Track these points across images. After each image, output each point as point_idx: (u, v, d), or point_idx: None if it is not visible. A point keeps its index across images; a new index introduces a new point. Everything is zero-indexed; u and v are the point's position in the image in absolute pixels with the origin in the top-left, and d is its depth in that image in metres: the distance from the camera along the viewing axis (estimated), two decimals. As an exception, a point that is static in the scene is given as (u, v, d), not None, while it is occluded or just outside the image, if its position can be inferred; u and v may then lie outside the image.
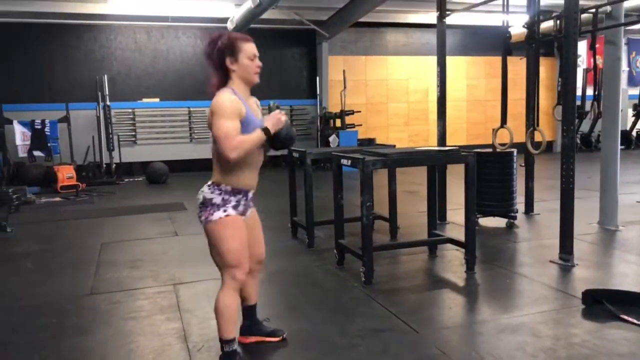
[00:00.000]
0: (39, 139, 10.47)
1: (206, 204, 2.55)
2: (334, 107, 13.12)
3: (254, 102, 2.69)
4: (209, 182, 2.60)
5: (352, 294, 3.78)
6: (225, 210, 2.53)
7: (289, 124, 2.65)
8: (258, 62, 2.59)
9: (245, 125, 2.49)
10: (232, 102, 2.45)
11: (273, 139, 2.59)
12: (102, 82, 11.36)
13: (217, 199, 2.54)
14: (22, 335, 3.25)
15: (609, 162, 5.53)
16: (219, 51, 2.52)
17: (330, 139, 12.23)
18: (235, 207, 2.58)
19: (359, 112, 12.95)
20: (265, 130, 2.51)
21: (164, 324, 3.33)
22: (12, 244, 5.74)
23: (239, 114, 2.46)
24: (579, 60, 4.67)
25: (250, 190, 2.66)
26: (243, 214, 2.65)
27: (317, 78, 13.25)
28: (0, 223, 5.78)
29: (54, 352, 3.00)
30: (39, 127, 10.46)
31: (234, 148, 2.41)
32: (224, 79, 2.56)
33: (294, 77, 13.58)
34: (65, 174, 9.84)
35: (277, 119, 2.56)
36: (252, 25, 11.13)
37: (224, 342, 2.61)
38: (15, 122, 10.31)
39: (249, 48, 2.56)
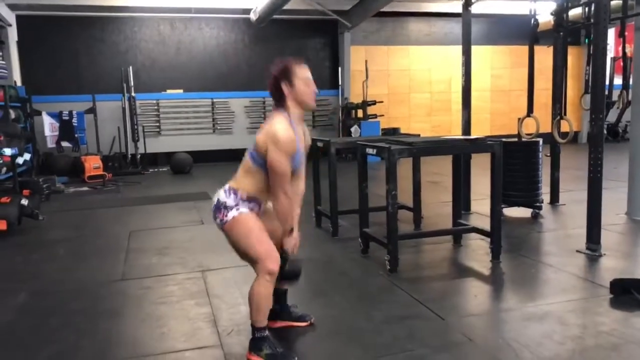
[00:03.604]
0: (66, 129, 10.69)
1: (220, 207, 2.64)
2: (356, 98, 13.09)
3: (302, 130, 2.74)
4: (226, 186, 2.69)
5: (377, 282, 3.82)
6: (238, 209, 2.62)
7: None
8: (314, 87, 2.66)
9: (292, 158, 2.58)
10: (290, 138, 2.53)
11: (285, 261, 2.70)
12: (127, 74, 11.51)
13: (231, 202, 2.63)
14: (58, 318, 3.36)
15: (638, 151, 5.44)
16: (275, 78, 2.61)
17: (352, 129, 12.21)
18: (248, 208, 2.67)
19: (381, 102, 12.89)
20: (291, 229, 2.69)
21: (193, 309, 3.41)
22: (44, 232, 5.91)
23: (292, 152, 2.55)
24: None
25: (264, 202, 2.76)
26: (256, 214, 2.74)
27: (339, 68, 13.23)
28: (32, 211, 5.94)
29: (89, 334, 3.10)
30: (67, 118, 10.68)
31: (283, 194, 2.56)
32: (283, 104, 2.64)
33: (316, 68, 13.49)
34: (92, 164, 10.05)
35: (295, 245, 2.75)
36: (274, 16, 11.18)
37: (255, 328, 2.68)
38: (43, 114, 10.53)
39: (303, 72, 2.63)
